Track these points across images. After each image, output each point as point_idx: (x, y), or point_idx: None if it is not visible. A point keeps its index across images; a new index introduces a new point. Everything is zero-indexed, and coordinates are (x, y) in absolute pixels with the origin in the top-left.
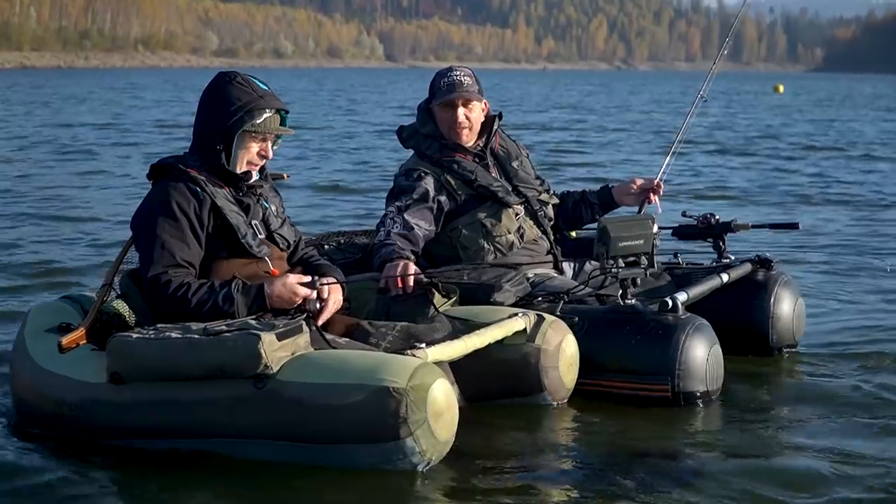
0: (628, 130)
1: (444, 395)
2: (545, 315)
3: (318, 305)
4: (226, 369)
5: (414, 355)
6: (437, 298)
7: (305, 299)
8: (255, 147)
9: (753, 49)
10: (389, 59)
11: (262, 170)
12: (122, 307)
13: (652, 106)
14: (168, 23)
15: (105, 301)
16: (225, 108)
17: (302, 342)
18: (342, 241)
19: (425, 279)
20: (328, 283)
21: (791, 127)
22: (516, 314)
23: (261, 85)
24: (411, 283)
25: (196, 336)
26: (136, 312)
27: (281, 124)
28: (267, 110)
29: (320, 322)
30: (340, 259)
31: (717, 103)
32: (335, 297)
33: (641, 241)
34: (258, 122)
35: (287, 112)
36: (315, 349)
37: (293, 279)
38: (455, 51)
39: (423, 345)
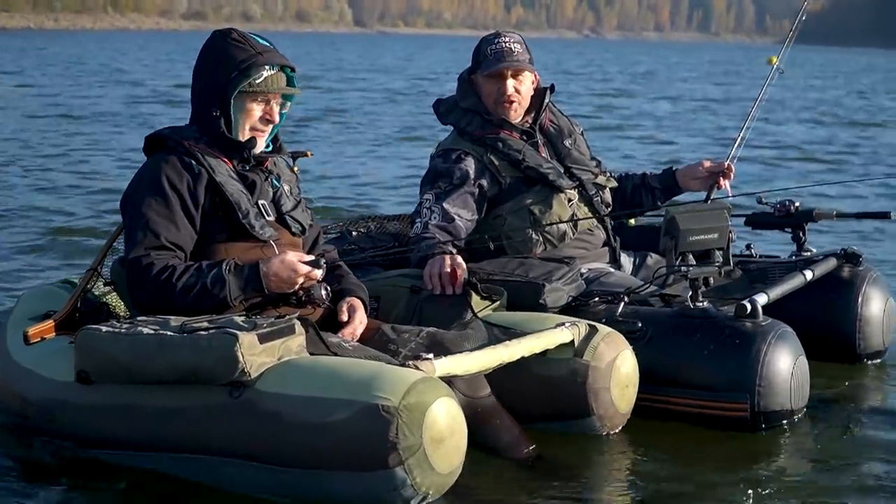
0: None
1: (446, 418)
2: (598, 326)
3: (322, 293)
4: (199, 373)
5: (417, 367)
6: (477, 301)
7: (311, 289)
8: (256, 110)
9: (722, 19)
10: (358, 24)
11: (275, 140)
12: (111, 296)
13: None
14: None
15: (90, 288)
16: (219, 68)
17: (294, 345)
18: (372, 226)
19: (465, 278)
20: (325, 262)
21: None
22: (563, 324)
23: (260, 41)
24: (460, 279)
25: (169, 333)
26: (125, 302)
27: (289, 85)
28: (266, 67)
29: (348, 338)
30: (369, 247)
31: (732, 76)
32: (360, 314)
33: (716, 235)
34: (257, 81)
35: (293, 70)
36: (311, 353)
37: (293, 255)
38: (424, 17)
39: (431, 355)
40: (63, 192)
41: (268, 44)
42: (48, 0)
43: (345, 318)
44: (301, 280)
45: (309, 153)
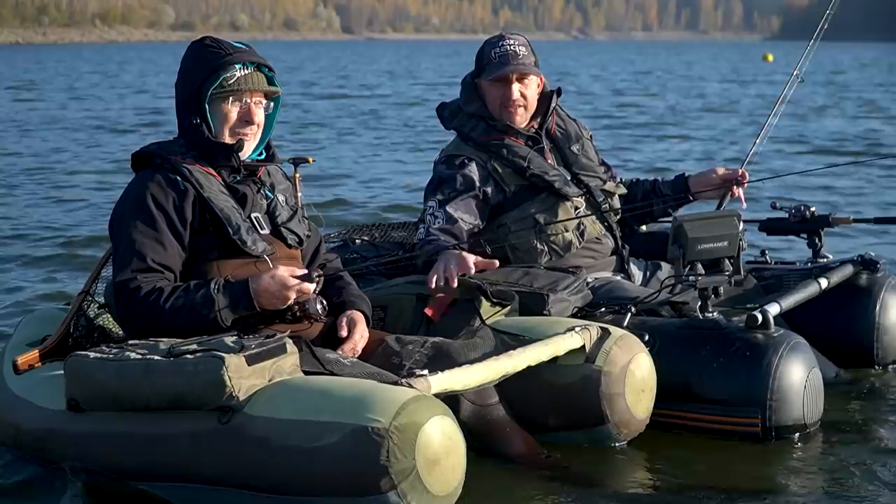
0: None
1: (440, 437)
2: (611, 328)
3: (318, 307)
4: (186, 399)
5: (410, 385)
6: (486, 307)
7: (307, 304)
8: (232, 111)
9: (710, 18)
10: (346, 31)
11: (268, 148)
12: (105, 318)
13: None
14: None
15: (83, 312)
16: (193, 75)
17: (287, 365)
18: (377, 235)
19: (473, 282)
20: (319, 275)
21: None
22: (573, 328)
23: (236, 44)
24: (472, 266)
25: (156, 358)
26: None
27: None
28: (238, 66)
29: (349, 354)
30: (372, 256)
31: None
32: (360, 328)
33: (725, 244)
34: (229, 81)
35: (271, 70)
36: (306, 372)
37: (283, 270)
38: (412, 22)
39: (426, 371)
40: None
41: (244, 46)
42: (36, 14)
43: (344, 333)
44: (293, 295)
45: (311, 159)
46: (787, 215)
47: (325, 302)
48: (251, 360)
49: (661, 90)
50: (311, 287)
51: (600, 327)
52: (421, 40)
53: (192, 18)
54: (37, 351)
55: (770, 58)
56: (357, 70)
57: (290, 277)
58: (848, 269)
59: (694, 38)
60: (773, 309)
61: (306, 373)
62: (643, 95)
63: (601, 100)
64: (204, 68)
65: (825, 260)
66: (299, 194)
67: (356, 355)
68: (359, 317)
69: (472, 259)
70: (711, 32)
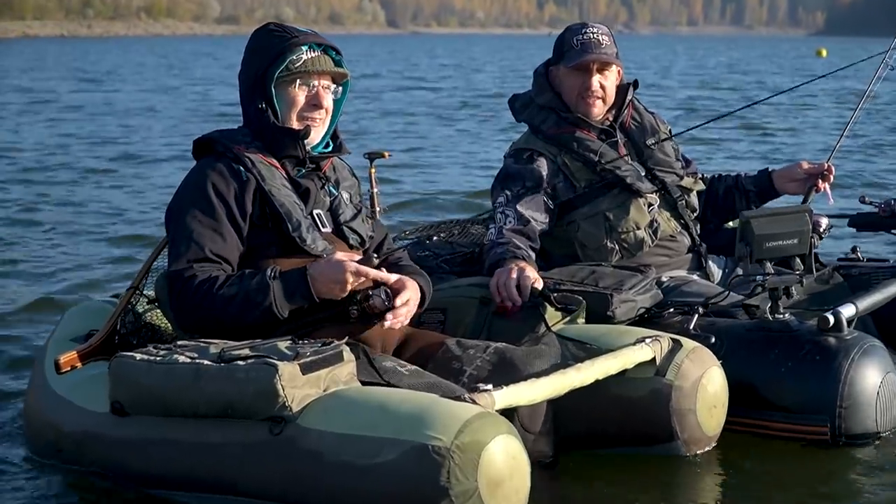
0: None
1: (504, 458)
2: (683, 340)
3: (385, 302)
4: (237, 407)
5: (473, 400)
6: (551, 313)
7: (370, 294)
8: (300, 95)
9: (755, 13)
10: (391, 24)
11: (335, 138)
12: (154, 313)
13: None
14: None
15: (131, 307)
16: (258, 60)
17: (343, 374)
18: (456, 231)
19: (538, 288)
20: (378, 258)
21: None
22: (643, 339)
23: (301, 29)
24: (526, 293)
25: (205, 363)
26: (169, 320)
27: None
28: (304, 48)
29: (387, 325)
30: (448, 255)
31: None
32: (409, 295)
33: (795, 241)
34: (295, 64)
35: (338, 53)
36: (363, 382)
37: (341, 254)
38: (457, 16)
39: (490, 386)
40: None
41: (308, 30)
42: (81, 7)
43: (391, 279)
44: (350, 278)
45: (386, 154)
46: (876, 210)
47: (389, 292)
48: (306, 369)
49: (739, 82)
50: (369, 269)
51: (671, 339)
52: (466, 34)
53: (237, 12)
54: (76, 352)
55: (824, 52)
56: (419, 62)
57: (349, 262)
58: None
59: (738, 32)
60: (847, 311)
61: (363, 383)
62: (713, 88)
63: (675, 92)
64: (269, 52)
65: None
66: (375, 189)
67: (400, 324)
68: (410, 283)
69: (532, 277)
70: (756, 27)
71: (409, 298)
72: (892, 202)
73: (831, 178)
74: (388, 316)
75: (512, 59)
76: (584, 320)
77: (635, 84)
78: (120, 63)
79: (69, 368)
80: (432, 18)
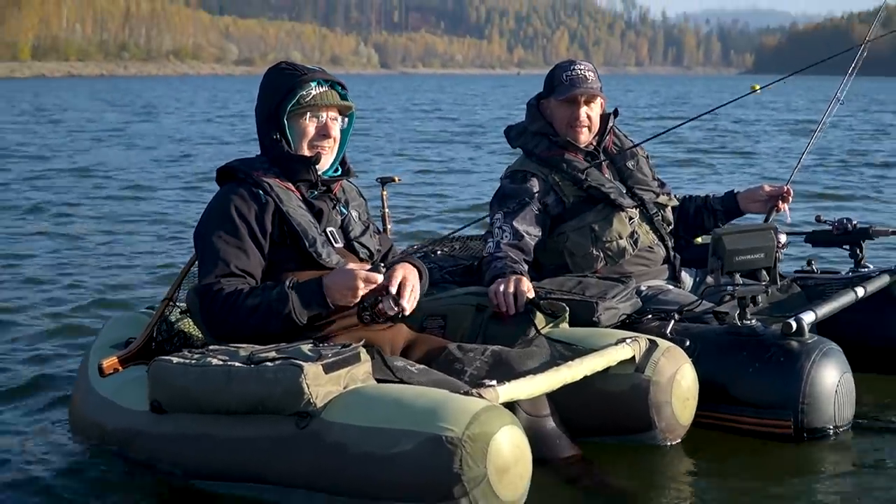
0: None
1: (510, 447)
2: (659, 341)
3: (394, 308)
4: (266, 404)
5: (480, 395)
6: (540, 318)
7: (379, 299)
8: (310, 126)
9: (692, 55)
10: (384, 66)
11: (343, 163)
12: (185, 322)
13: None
14: (195, 36)
15: (165, 317)
16: (271, 95)
17: (360, 373)
18: (457, 246)
19: (531, 297)
20: (384, 266)
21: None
22: (624, 340)
23: (310, 66)
24: (521, 301)
25: (236, 364)
26: (199, 328)
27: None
28: (313, 84)
29: (404, 304)
30: (450, 267)
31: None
32: (407, 276)
33: (762, 255)
34: (306, 98)
35: (343, 88)
36: (378, 380)
37: (352, 265)
38: (439, 58)
39: (495, 382)
40: None
41: (317, 67)
42: (118, 50)
43: (393, 289)
44: (361, 285)
45: (397, 178)
46: (830, 227)
47: (396, 298)
48: (328, 369)
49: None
50: (378, 277)
51: (649, 339)
52: (447, 74)
53: (253, 55)
54: (116, 358)
55: (757, 88)
56: (420, 98)
57: (359, 270)
58: (884, 279)
59: (678, 72)
60: (808, 317)
61: (378, 380)
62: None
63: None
64: (282, 87)
65: (866, 269)
66: (386, 210)
67: (416, 294)
68: (406, 267)
69: (526, 288)
70: (694, 67)
71: (411, 282)
72: (845, 221)
73: (790, 199)
74: (403, 303)
75: (485, 94)
76: (567, 324)
77: (615, 112)
78: (174, 97)
79: (111, 372)
80: (419, 60)
